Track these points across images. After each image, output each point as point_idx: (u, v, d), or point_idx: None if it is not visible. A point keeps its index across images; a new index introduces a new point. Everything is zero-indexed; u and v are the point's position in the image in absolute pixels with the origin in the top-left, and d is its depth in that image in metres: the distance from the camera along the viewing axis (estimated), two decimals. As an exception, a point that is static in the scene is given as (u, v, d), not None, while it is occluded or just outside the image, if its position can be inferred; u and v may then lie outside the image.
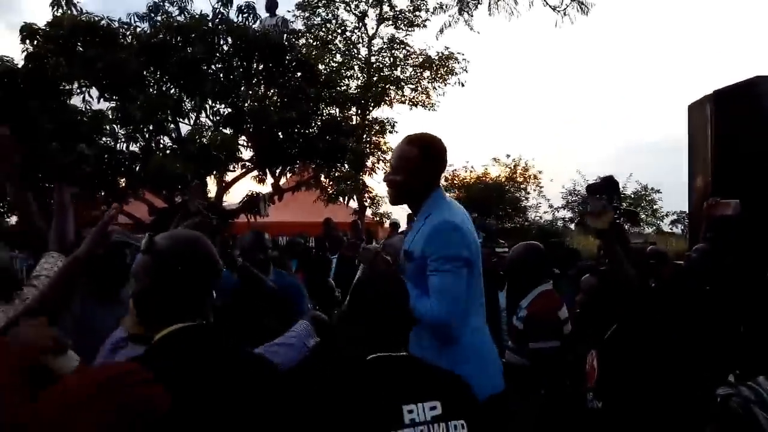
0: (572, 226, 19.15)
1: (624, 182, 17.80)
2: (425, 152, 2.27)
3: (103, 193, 9.04)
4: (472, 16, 12.29)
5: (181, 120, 9.53)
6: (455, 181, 20.14)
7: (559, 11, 10.94)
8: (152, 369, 1.32)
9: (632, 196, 19.56)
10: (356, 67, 18.06)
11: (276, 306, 3.02)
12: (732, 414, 1.63)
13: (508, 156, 20.23)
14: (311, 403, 1.56)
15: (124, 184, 9.26)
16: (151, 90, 8.99)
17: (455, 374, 1.73)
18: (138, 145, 9.02)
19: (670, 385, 2.31)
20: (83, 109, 8.63)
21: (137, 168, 8.82)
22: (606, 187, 3.47)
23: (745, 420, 1.59)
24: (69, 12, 8.74)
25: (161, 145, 9.19)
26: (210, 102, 9.46)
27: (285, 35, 10.08)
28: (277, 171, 10.57)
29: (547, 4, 11.07)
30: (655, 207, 20.15)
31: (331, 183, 11.20)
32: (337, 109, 11.17)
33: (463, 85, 17.99)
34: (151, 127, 8.78)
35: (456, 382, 1.68)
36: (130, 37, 9.19)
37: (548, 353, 3.14)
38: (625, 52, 43.44)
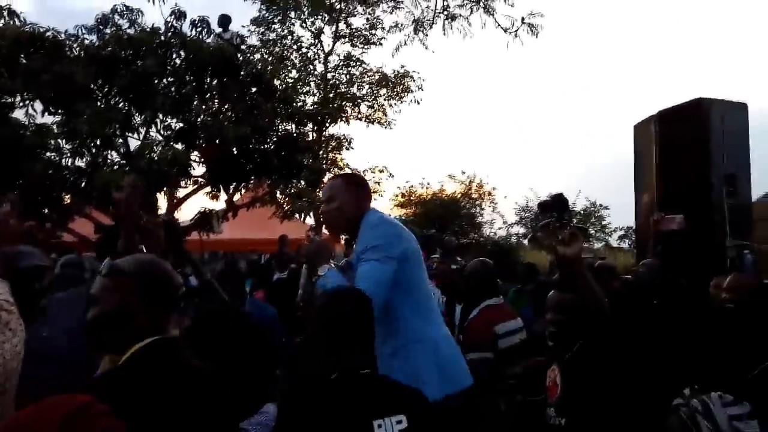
0: (525, 242, 19.55)
1: (574, 199, 18.37)
2: (348, 180, 2.50)
3: (46, 210, 8.68)
4: (426, 35, 12.49)
5: (130, 135, 9.26)
6: (412, 198, 20.29)
7: (510, 32, 11.27)
8: (124, 386, 1.36)
9: (582, 212, 20.15)
10: (312, 84, 18.06)
11: (244, 332, 2.90)
12: (680, 423, 1.68)
13: (463, 173, 20.55)
14: (284, 422, 1.61)
15: (69, 201, 8.91)
16: (98, 104, 8.71)
17: (416, 390, 1.79)
18: (84, 160, 8.70)
19: (624, 400, 2.32)
20: (26, 123, 8.28)
21: (83, 184, 8.50)
22: (556, 204, 3.54)
23: (691, 429, 1.68)
24: (12, 23, 8.42)
25: (108, 161, 8.89)
26: (161, 116, 9.24)
27: (240, 49, 9.98)
28: (231, 187, 10.39)
29: (498, 25, 11.37)
30: (603, 223, 20.83)
31: (287, 199, 11.09)
32: (293, 125, 11.10)
33: (418, 103, 18.25)
34: (98, 142, 8.49)
35: (417, 398, 1.75)
36: (77, 49, 8.90)
37: (480, 365, 3.18)
38: (574, 73, 45.01)
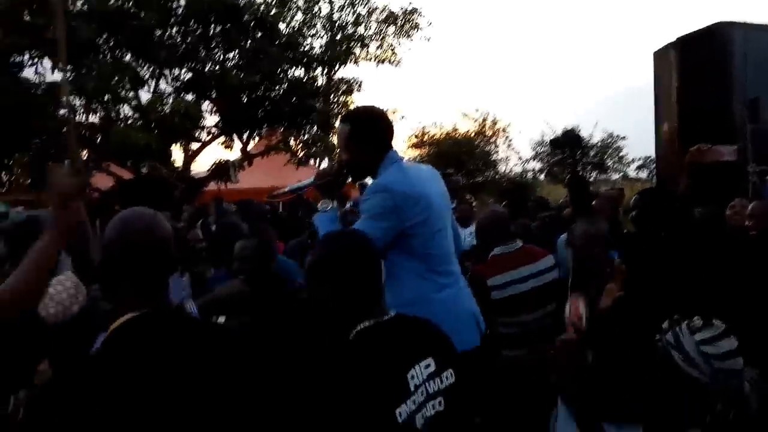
0: (541, 177, 19.41)
1: (590, 131, 18.05)
2: (355, 124, 2.34)
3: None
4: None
5: (140, 88, 9.21)
6: (425, 138, 20.12)
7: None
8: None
9: (599, 144, 19.79)
10: (318, 25, 17.60)
11: None
12: (659, 358, 1.77)
13: (476, 110, 20.21)
14: (313, 390, 1.43)
15: (86, 157, 9.00)
16: (105, 58, 8.63)
17: (435, 324, 1.67)
18: (97, 116, 8.72)
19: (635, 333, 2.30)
20: (36, 82, 8.27)
21: (98, 140, 8.56)
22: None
23: (666, 361, 1.74)
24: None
25: (122, 116, 8.90)
26: (168, 68, 9.14)
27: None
28: (245, 136, 10.37)
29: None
30: (621, 154, 20.46)
31: (300, 145, 11.04)
32: (302, 70, 10.92)
33: (428, 40, 17.77)
34: (108, 97, 8.48)
35: (440, 333, 1.65)
36: (79, 3, 8.75)
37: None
38: (591, 3, 43.32)
